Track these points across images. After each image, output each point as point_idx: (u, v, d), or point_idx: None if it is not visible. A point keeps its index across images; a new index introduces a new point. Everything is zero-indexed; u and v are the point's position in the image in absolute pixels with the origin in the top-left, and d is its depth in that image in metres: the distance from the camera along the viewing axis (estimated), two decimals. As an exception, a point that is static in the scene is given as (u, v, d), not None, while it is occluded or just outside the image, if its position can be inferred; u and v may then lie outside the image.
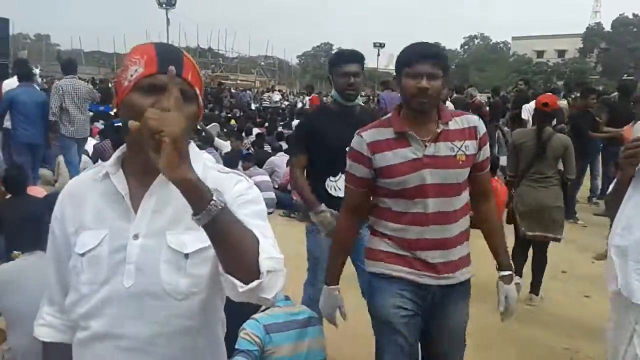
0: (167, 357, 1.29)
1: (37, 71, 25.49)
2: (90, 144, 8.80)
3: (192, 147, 1.36)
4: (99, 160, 8.08)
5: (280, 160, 8.70)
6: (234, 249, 1.12)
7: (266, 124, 14.03)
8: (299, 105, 23.74)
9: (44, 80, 23.97)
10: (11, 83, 7.48)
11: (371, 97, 32.71)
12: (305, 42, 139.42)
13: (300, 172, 3.31)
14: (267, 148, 10.12)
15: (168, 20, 41.61)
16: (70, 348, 1.41)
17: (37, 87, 7.43)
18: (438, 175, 2.17)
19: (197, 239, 1.24)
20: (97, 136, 9.80)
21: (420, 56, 2.12)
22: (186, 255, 1.26)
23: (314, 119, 3.35)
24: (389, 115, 2.31)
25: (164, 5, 41.41)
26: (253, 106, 22.87)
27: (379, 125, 2.27)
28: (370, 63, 75.83)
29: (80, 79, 7.64)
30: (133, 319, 1.26)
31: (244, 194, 1.32)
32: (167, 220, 1.27)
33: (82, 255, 1.29)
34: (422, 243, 2.21)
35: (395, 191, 2.22)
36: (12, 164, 6.42)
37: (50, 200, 4.41)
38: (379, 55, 54.97)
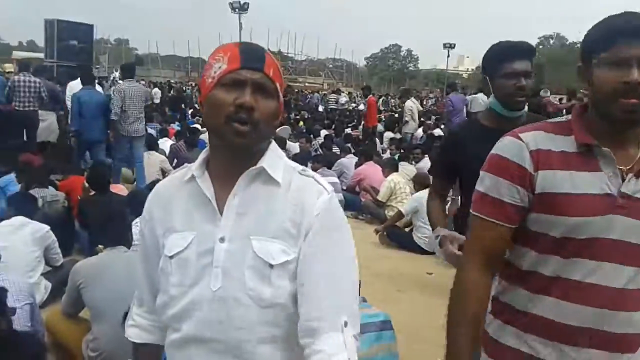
0: None
1: (116, 74, 26.76)
2: (167, 144, 9.17)
3: (274, 147, 1.35)
4: (175, 160, 8.42)
5: (348, 162, 8.71)
6: None
7: (333, 126, 14.07)
8: (361, 107, 23.65)
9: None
10: (74, 86, 8.11)
11: (439, 99, 32.19)
12: (373, 44, 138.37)
13: (436, 199, 2.60)
14: (336, 150, 10.15)
15: (240, 24, 42.58)
16: (160, 348, 1.44)
17: (100, 89, 8.03)
18: (635, 230, 1.35)
19: (282, 251, 1.24)
20: (173, 137, 10.20)
21: (632, 33, 1.29)
22: (271, 266, 1.24)
23: (461, 136, 2.54)
24: (563, 118, 1.50)
25: (237, 10, 42.48)
26: (320, 108, 23.01)
27: (550, 129, 1.44)
28: (439, 64, 74.93)
29: (138, 81, 8.13)
30: (221, 323, 1.25)
31: (323, 214, 1.27)
32: (251, 223, 1.26)
33: (171, 257, 1.30)
34: (584, 337, 1.38)
35: (557, 240, 1.39)
36: (95, 162, 6.79)
37: (131, 198, 4.63)
38: (448, 56, 53.98)
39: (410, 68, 79.88)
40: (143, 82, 26.74)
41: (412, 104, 12.32)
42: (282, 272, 1.24)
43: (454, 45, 51.90)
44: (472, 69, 79.45)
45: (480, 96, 11.64)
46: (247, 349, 1.25)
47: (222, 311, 1.25)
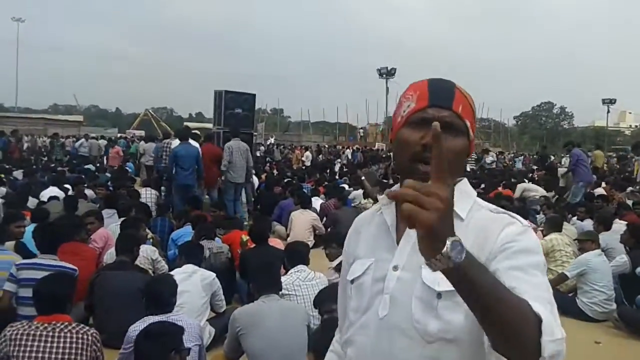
0: None
1: (272, 140, 28.85)
2: (317, 202, 9.55)
3: (464, 185, 1.31)
4: (325, 217, 8.71)
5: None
6: (501, 323, 0.96)
7: (483, 185, 13.59)
8: (518, 165, 22.70)
9: (275, 146, 26.95)
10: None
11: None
12: (524, 102, 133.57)
13: None
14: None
15: (387, 89, 43.89)
16: None
17: (196, 145, 9.45)
18: None
19: None
20: (323, 195, 10.59)
21: None
22: (439, 295, 1.17)
23: None
24: None
25: (384, 76, 44.07)
26: (468, 168, 22.56)
27: None
28: (598, 121, 69.79)
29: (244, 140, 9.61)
30: (384, 352, 1.22)
31: (513, 240, 1.16)
32: None
33: (352, 282, 1.34)
34: None
35: None
36: (255, 216, 7.28)
37: (288, 251, 4.89)
38: (608, 112, 50.41)
39: (564, 126, 75.48)
40: (288, 145, 28.27)
41: None
42: (450, 303, 1.16)
43: (615, 100, 48.54)
44: (636, 126, 72.95)
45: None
46: None
47: (385, 340, 1.22)
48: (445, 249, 0.91)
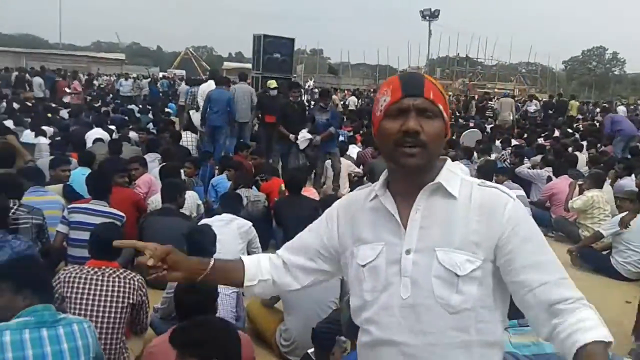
0: None
1: (310, 83, 28.57)
2: (354, 150, 9.62)
3: (449, 165, 1.46)
4: (361, 166, 8.79)
5: (538, 174, 8.26)
6: None
7: (525, 135, 13.30)
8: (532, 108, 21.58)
9: (318, 89, 26.68)
10: (204, 87, 10.40)
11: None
12: (574, 47, 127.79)
13: None
14: (526, 162, 9.56)
15: (430, 31, 42.64)
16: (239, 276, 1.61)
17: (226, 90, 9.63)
18: None
19: (467, 261, 1.36)
20: (359, 143, 10.61)
21: None
22: (458, 275, 1.36)
23: None
24: None
25: (427, 18, 42.73)
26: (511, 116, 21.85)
27: None
28: (652, 68, 66.38)
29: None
30: (411, 328, 1.38)
31: (518, 224, 1.38)
32: (435, 236, 1.39)
33: (364, 266, 1.46)
34: None
35: None
36: (291, 168, 7.39)
37: (324, 202, 5.00)
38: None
39: (615, 72, 72.15)
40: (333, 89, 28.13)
41: None
42: (468, 280, 1.36)
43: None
44: (693, 73, 69.13)
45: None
46: (437, 353, 1.37)
47: (412, 317, 1.38)
48: None
